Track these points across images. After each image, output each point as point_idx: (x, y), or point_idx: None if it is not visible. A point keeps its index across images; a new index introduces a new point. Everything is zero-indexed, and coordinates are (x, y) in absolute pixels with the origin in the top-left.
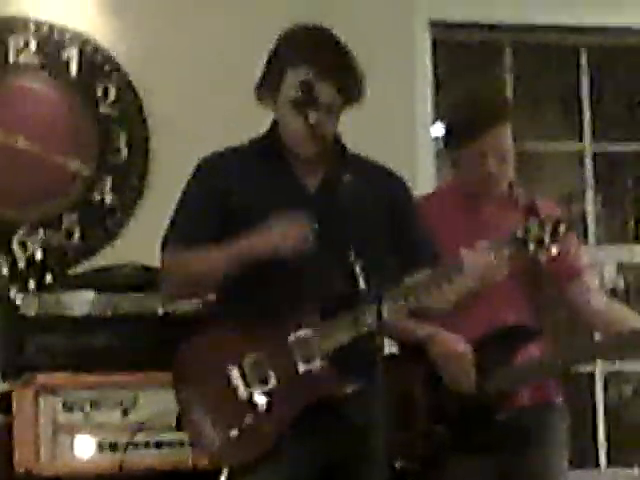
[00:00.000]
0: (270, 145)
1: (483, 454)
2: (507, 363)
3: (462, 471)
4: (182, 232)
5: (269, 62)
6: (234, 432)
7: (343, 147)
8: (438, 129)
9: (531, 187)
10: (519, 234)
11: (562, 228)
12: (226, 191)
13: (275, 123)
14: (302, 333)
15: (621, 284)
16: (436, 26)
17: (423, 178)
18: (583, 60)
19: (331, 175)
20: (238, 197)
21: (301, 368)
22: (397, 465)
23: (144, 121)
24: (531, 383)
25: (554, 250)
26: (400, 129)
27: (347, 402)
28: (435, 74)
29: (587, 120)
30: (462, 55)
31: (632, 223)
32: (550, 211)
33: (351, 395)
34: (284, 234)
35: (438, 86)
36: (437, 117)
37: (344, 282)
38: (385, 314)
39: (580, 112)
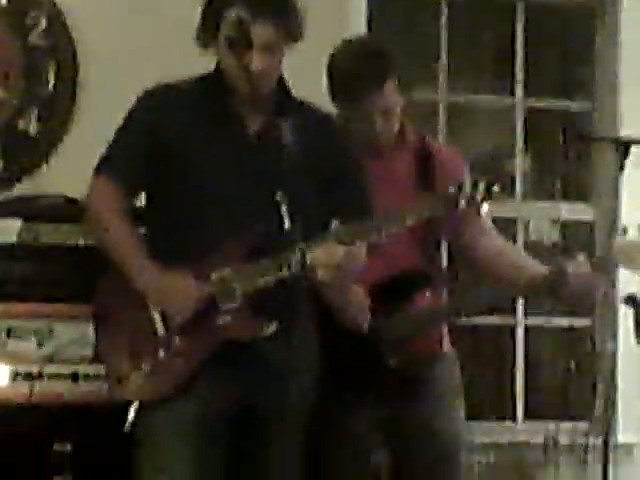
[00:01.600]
0: (214, 83)
1: (372, 399)
2: (402, 310)
3: (350, 414)
4: (114, 165)
5: (206, 4)
6: (147, 367)
7: (287, 89)
8: None
9: (462, 140)
10: (451, 190)
11: (496, 187)
12: (165, 126)
13: (219, 64)
14: (224, 273)
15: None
16: None
17: None
18: (519, 15)
19: (272, 118)
20: (177, 132)
21: (220, 308)
22: None
23: (74, 53)
24: (425, 331)
25: (484, 208)
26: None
27: (267, 342)
28: (369, 28)
29: (520, 75)
30: (398, 9)
31: (559, 180)
32: (443, 155)
33: (271, 336)
34: (169, 302)
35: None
36: None
37: (272, 224)
38: (309, 259)
39: (513, 67)
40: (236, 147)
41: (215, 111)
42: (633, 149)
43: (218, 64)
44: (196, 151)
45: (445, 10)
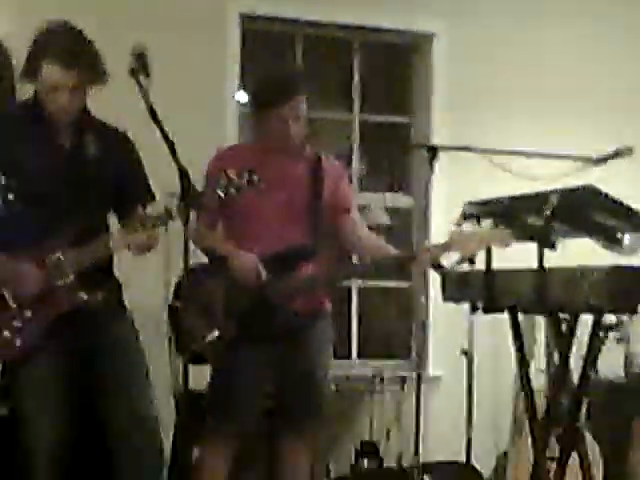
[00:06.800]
0: (35, 112)
1: (263, 344)
2: (290, 275)
3: (245, 355)
4: None
5: (30, 52)
6: (7, 333)
7: (89, 113)
8: (243, 96)
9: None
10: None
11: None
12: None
13: (36, 93)
14: (58, 255)
15: (387, 221)
16: (245, 18)
17: (230, 134)
18: (355, 51)
19: (79, 134)
20: (10, 148)
21: (55, 284)
22: (194, 348)
23: None
24: (306, 293)
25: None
26: (212, 96)
27: (95, 316)
28: (242, 55)
29: (356, 96)
30: (264, 43)
31: (387, 178)
32: (330, 165)
33: (99, 310)
34: (16, 284)
35: (243, 65)
36: (242, 87)
37: (90, 215)
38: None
39: (350, 89)
40: (52, 158)
41: (36, 131)
42: (441, 154)
43: (35, 94)
44: (25, 162)
45: (300, 45)
